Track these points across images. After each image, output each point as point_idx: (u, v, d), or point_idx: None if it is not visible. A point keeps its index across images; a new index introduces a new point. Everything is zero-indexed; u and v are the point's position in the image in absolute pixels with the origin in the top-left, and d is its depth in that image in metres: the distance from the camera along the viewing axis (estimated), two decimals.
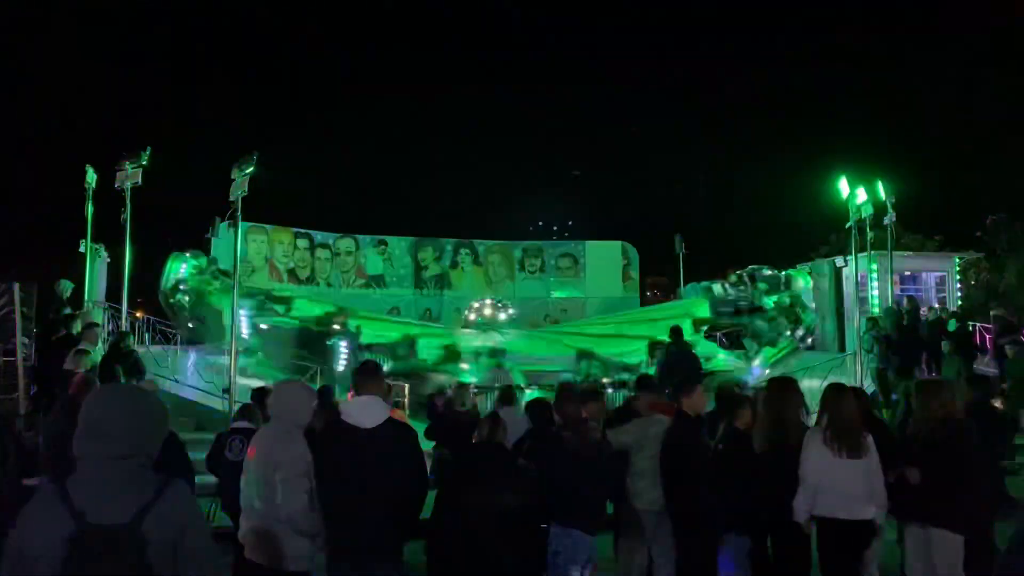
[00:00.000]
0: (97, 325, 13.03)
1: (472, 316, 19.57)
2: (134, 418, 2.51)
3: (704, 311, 18.82)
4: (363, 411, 4.65)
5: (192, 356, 16.37)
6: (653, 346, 16.21)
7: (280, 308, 17.10)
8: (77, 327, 11.96)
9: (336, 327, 16.50)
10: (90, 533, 2.31)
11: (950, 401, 5.68)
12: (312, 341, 16.38)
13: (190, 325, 17.45)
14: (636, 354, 17.22)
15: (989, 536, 5.98)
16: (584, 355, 17.14)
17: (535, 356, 17.09)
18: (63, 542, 2.30)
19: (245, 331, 15.96)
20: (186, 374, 15.07)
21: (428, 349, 16.88)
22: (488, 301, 20.15)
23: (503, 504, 4.51)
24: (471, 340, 17.37)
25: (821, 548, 5.61)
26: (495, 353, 16.57)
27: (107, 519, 2.34)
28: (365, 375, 4.91)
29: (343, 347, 16.13)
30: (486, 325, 18.66)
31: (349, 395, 5.35)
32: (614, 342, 17.85)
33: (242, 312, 15.18)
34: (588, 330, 18.94)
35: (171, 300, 17.46)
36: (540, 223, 46.81)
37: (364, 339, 16.56)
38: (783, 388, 6.18)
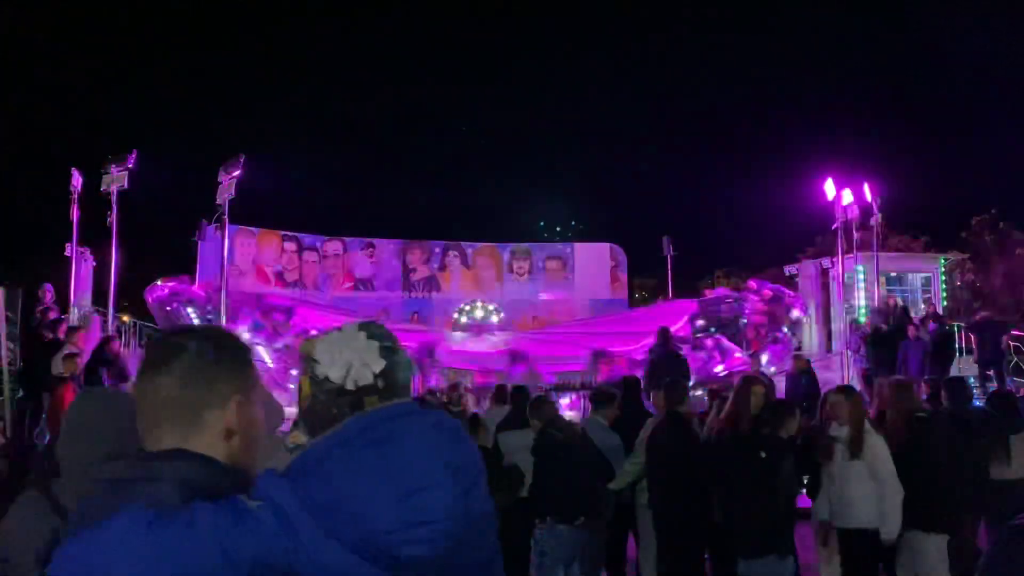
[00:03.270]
0: (81, 329, 12.93)
1: (461, 318, 19.54)
2: (114, 423, 2.48)
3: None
4: None
5: None
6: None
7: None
8: (65, 331, 11.90)
9: None
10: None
11: (915, 400, 5.69)
12: None
13: None
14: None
15: (972, 535, 6.01)
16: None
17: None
18: (46, 542, 2.29)
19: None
20: None
21: None
22: (477, 303, 20.12)
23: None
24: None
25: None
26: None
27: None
28: None
29: None
30: (476, 327, 18.63)
31: None
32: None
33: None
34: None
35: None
36: (528, 225, 46.82)
37: None
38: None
